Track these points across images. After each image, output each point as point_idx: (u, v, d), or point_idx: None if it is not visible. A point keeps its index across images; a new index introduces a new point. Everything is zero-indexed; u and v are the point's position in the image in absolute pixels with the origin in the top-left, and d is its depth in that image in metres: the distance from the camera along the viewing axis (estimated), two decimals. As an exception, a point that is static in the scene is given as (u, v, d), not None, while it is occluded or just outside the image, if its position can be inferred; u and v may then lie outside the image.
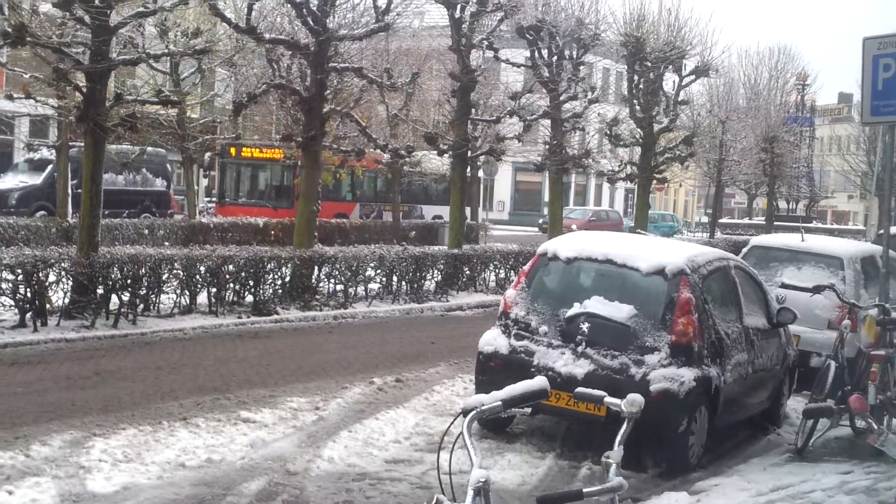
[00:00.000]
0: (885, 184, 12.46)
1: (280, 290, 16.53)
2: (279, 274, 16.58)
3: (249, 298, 15.98)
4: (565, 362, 8.63)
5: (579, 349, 8.67)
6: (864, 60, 10.76)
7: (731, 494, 7.49)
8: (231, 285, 15.77)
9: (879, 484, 7.86)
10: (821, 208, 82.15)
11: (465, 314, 19.13)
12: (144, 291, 14.44)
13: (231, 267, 15.62)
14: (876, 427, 9.03)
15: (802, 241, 13.32)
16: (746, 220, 59.42)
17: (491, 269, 22.03)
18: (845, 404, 9.11)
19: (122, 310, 13.85)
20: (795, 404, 10.89)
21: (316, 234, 19.42)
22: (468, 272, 21.25)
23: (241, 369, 11.78)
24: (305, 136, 18.53)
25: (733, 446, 9.79)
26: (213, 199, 36.58)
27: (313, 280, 17.28)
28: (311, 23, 17.43)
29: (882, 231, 11.62)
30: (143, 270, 14.28)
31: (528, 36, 25.36)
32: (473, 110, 24.04)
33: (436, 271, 20.31)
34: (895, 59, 10.48)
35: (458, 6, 21.99)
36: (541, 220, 48.39)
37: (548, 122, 28.12)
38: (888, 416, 9.52)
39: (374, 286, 18.68)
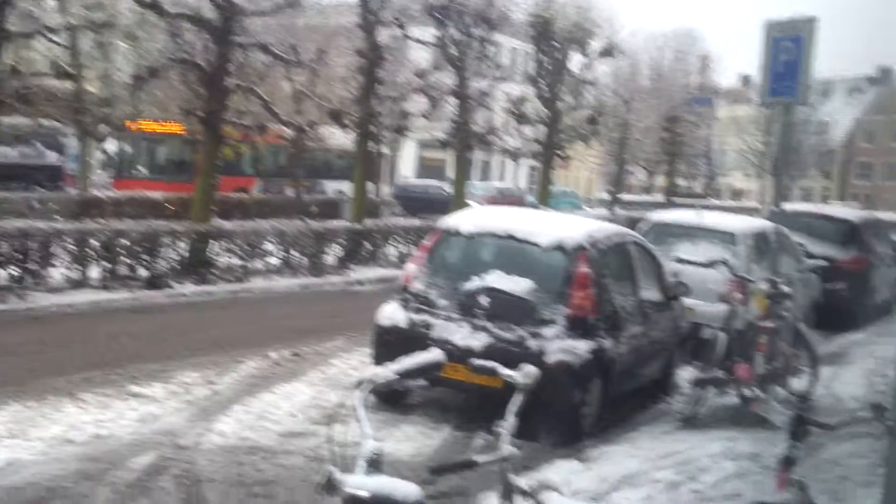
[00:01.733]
0: (780, 162, 12.82)
1: (176, 265, 16.19)
2: (175, 248, 16.23)
3: (144, 273, 15.61)
4: (463, 335, 8.64)
5: (478, 322, 8.69)
6: (765, 43, 11.05)
7: (622, 461, 7.60)
8: (125, 259, 15.37)
9: (763, 450, 8.05)
10: (718, 186, 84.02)
11: (365, 289, 19.03)
12: (33, 266, 13.98)
13: (125, 241, 15.23)
14: (761, 396, 9.30)
15: (699, 217, 13.57)
16: (646, 198, 60.38)
17: (392, 243, 21.95)
18: (733, 374, 9.34)
19: (10, 284, 13.40)
20: (686, 375, 11.08)
21: (215, 208, 19.10)
22: (369, 247, 21.15)
23: (133, 344, 11.52)
24: (207, 111, 18.17)
25: (625, 415, 9.93)
26: (111, 173, 35.63)
27: (210, 254, 16.97)
28: (216, -2, 17.07)
29: (775, 208, 11.91)
30: (32, 244, 13.83)
31: (436, 14, 25.25)
32: (380, 87, 23.85)
33: (337, 246, 20.14)
34: (794, 42, 10.78)
35: (366, -17, 21.77)
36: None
37: (454, 99, 28.09)
38: (774, 385, 9.80)
39: (273, 261, 18.44)
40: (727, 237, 12.96)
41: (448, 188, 45.43)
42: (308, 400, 9.29)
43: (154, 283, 15.42)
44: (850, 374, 12.14)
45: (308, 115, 26.99)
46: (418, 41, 26.84)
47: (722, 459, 7.71)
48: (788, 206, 18.16)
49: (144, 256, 15.59)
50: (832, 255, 15.94)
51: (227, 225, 17.97)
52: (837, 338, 15.43)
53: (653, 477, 7.12)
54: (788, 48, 10.80)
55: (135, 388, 9.13)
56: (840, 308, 15.71)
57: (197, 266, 16.48)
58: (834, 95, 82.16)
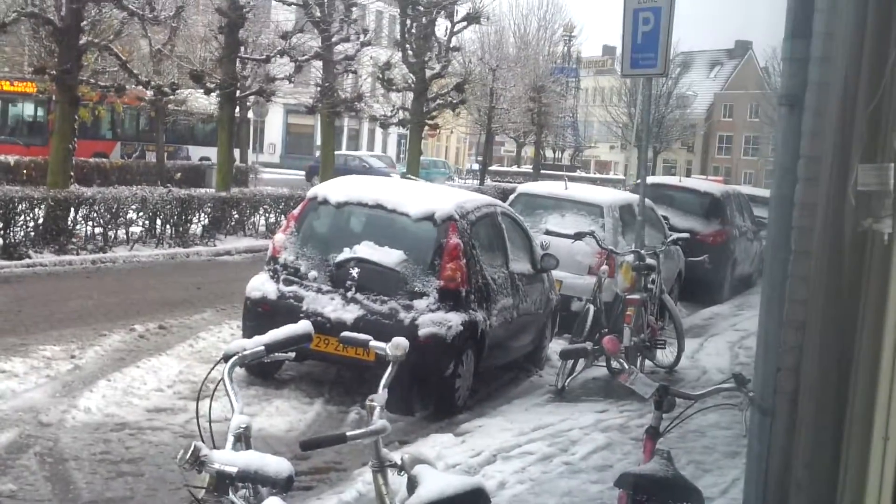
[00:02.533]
0: (644, 135, 13.04)
1: (33, 233, 15.54)
2: (32, 216, 15.57)
3: (-1, 241, 14.97)
4: (335, 307, 8.56)
5: (349, 294, 8.61)
6: (625, 14, 11.08)
7: (495, 434, 7.68)
8: (-24, 227, 14.71)
9: (631, 422, 8.27)
10: (585, 158, 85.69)
11: (233, 259, 18.70)
12: None
13: (-24, 207, 14.55)
14: (627, 367, 9.48)
15: (566, 189, 13.75)
16: (515, 168, 61.17)
17: (261, 213, 21.58)
18: (600, 346, 9.51)
19: None
20: (557, 347, 11.26)
21: (72, 173, 18.41)
22: (237, 216, 20.75)
23: (-11, 317, 11.03)
24: (60, 69, 17.48)
25: (498, 388, 10.05)
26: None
27: (69, 223, 16.34)
28: (66, -51, 16.36)
29: (639, 180, 12.14)
30: None
31: (299, -27, 24.85)
32: (242, 48, 23.34)
33: (203, 215, 19.69)
34: (654, 13, 10.82)
35: (227, -61, 21.20)
36: (312, 164, 47.79)
37: (320, 63, 27.74)
38: (641, 357, 10.04)
39: (136, 230, 17.87)
40: (594, 209, 13.17)
41: (372, 160, 44.65)
42: (176, 374, 9.06)
43: (10, 252, 14.78)
44: (714, 346, 12.57)
45: (168, 77, 26.24)
46: (281, 1, 26.38)
47: (593, 431, 7.88)
48: (652, 179, 18.62)
49: (-1, 224, 14.93)
50: (695, 228, 16.42)
51: (86, 191, 17.32)
52: (701, 310, 15.96)
53: (526, 450, 7.22)
54: (648, 19, 10.87)
55: (-9, 364, 8.74)
56: (702, 281, 16.17)
57: (55, 235, 15.86)
58: (694, 68, 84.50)
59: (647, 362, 10.33)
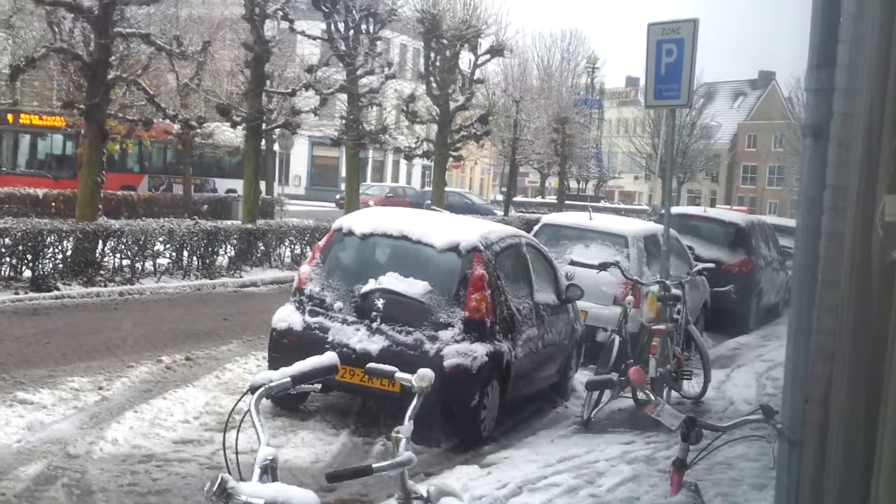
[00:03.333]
0: (667, 165, 13.04)
1: (61, 265, 15.69)
2: (60, 248, 15.73)
3: (28, 273, 15.08)
4: (360, 338, 8.58)
5: (374, 325, 8.63)
6: (648, 45, 11.13)
7: (521, 466, 7.64)
8: (7, 259, 14.84)
9: (658, 453, 8.21)
10: (609, 188, 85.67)
11: (259, 290, 18.78)
12: None
13: (6, 240, 14.70)
14: (653, 398, 9.42)
15: (590, 219, 13.75)
16: (539, 199, 61.18)
17: (286, 244, 21.68)
18: (627, 377, 9.47)
19: None
20: (582, 378, 11.23)
21: (101, 206, 18.59)
22: (263, 248, 20.85)
23: (18, 348, 11.11)
24: (89, 103, 17.68)
25: (523, 419, 10.02)
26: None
27: (97, 254, 16.49)
28: (95, -15, 16.60)
29: (664, 210, 12.13)
30: None
31: (324, 8, 25.05)
32: (268, 82, 23.54)
33: (229, 246, 19.81)
34: (677, 45, 10.87)
35: (252, -26, 21.41)
36: (338, 196, 48.03)
37: (344, 96, 27.89)
38: (667, 387, 9.98)
39: (163, 261, 18.01)
40: (619, 240, 13.16)
41: (473, 197, 44.13)
42: (202, 406, 9.10)
43: (39, 284, 14.92)
44: (740, 376, 12.47)
45: (195, 110, 26.50)
46: (306, 35, 26.60)
47: (619, 463, 7.82)
48: (677, 209, 18.58)
49: (28, 256, 15.08)
50: (720, 259, 16.35)
51: (114, 224, 17.49)
52: (727, 341, 15.85)
53: (552, 481, 7.17)
54: (671, 50, 10.90)
55: (21, 395, 8.80)
56: (728, 311, 16.07)
57: (84, 266, 16.00)
58: (718, 98, 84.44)
59: (674, 393, 10.28)
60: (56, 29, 18.53)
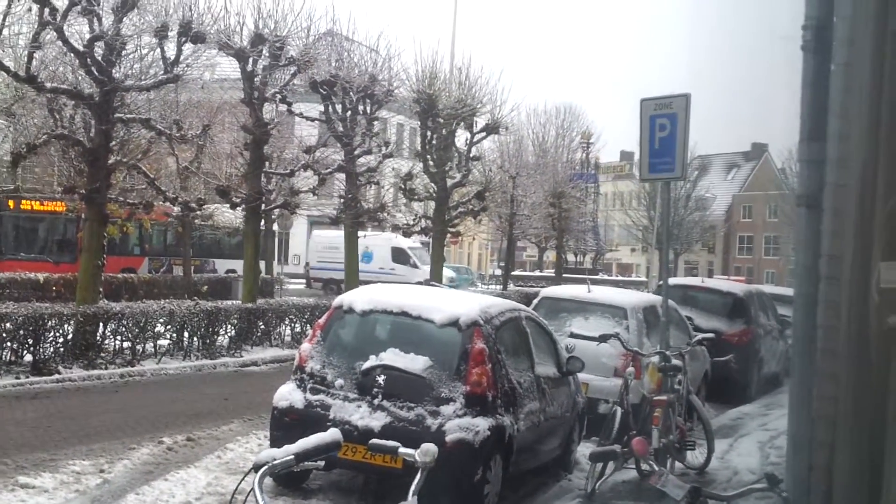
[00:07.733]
0: (664, 237, 13.15)
1: (62, 349, 15.68)
2: (61, 331, 15.74)
3: (29, 358, 15.07)
4: (362, 415, 8.56)
5: (376, 402, 8.62)
6: (641, 120, 11.30)
7: (526, 542, 7.58)
8: (8, 344, 14.85)
9: (664, 525, 8.14)
10: (606, 261, 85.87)
11: (260, 369, 18.74)
12: None
13: (8, 325, 14.72)
14: (657, 469, 9.38)
15: (589, 292, 13.80)
16: (537, 273, 61.36)
17: (286, 323, 21.68)
18: (630, 448, 9.44)
19: None
20: (585, 450, 11.16)
21: (101, 289, 18.63)
22: (263, 327, 20.84)
23: (19, 432, 11.07)
24: (89, 188, 17.84)
25: (527, 493, 9.94)
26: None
27: (98, 337, 16.49)
28: (95, 73, 16.86)
29: (661, 282, 12.19)
30: None
31: (321, 91, 25.37)
32: (267, 163, 23.78)
33: (229, 326, 19.81)
34: (670, 119, 11.03)
35: (250, 59, 21.70)
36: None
37: (343, 175, 28.15)
38: (670, 458, 9.94)
39: (163, 343, 18.00)
40: (618, 311, 13.21)
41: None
42: (204, 486, 9.04)
43: (40, 368, 14.91)
44: (744, 446, 12.42)
45: (195, 193, 26.71)
46: (304, 117, 26.93)
47: (624, 535, 7.77)
48: (675, 280, 18.65)
49: (29, 340, 15.09)
50: (719, 329, 16.36)
51: (114, 306, 17.52)
52: (729, 410, 15.79)
53: (557, 555, 7.12)
54: (665, 125, 11.05)
55: (23, 479, 8.76)
56: (729, 381, 16.03)
57: (84, 349, 16.00)
58: (712, 170, 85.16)
59: (677, 464, 10.23)
60: (57, 116, 18.77)
